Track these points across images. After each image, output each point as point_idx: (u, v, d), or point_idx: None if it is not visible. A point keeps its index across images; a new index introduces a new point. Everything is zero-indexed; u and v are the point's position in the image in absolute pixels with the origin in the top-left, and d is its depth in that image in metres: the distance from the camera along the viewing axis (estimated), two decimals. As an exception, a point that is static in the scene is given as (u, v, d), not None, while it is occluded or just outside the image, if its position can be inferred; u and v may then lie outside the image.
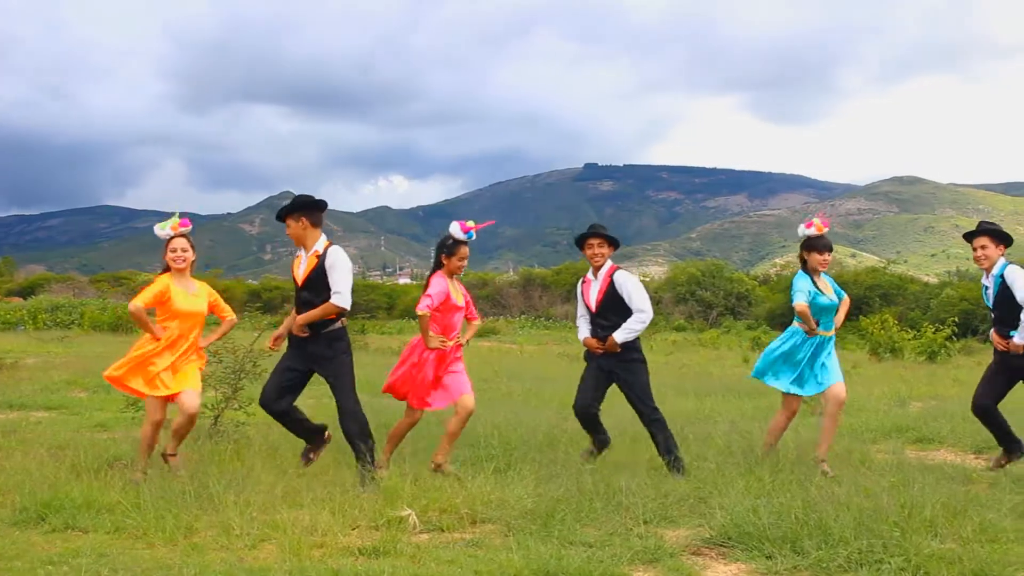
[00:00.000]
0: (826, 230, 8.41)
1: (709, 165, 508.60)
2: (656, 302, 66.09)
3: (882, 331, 28.99)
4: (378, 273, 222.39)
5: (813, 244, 8.44)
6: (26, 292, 64.46)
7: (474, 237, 8.22)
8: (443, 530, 6.33)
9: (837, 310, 8.57)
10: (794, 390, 8.53)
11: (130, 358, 7.65)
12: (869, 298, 49.92)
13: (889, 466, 8.48)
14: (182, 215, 7.80)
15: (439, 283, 8.07)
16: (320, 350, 7.68)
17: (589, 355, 8.59)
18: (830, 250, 8.48)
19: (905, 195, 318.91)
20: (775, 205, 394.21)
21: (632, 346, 8.37)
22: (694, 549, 6.01)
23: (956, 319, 30.41)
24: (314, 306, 7.60)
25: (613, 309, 8.39)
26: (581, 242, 8.62)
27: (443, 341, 8.03)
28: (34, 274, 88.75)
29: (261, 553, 5.67)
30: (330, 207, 8.07)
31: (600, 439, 8.59)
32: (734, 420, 11.58)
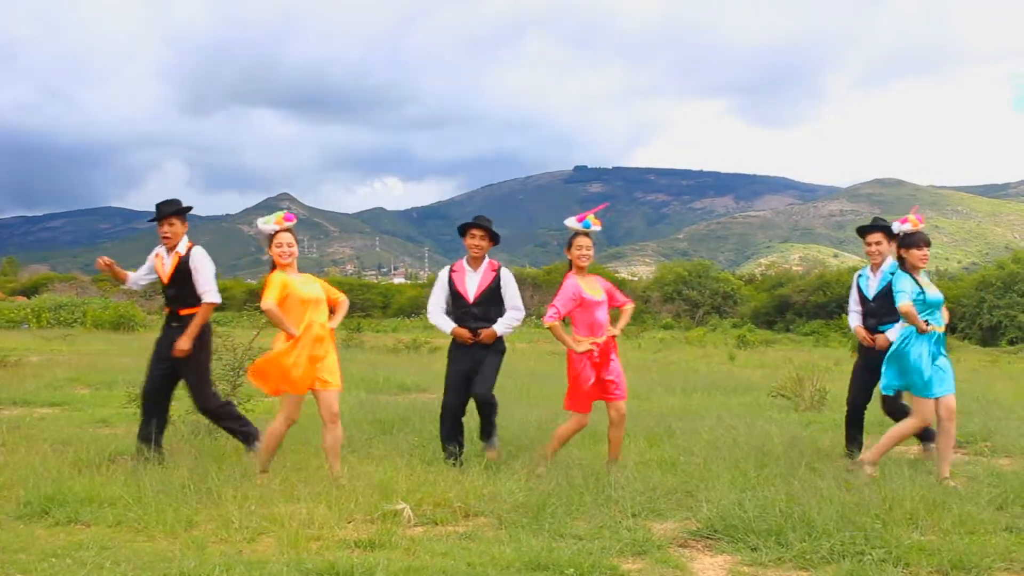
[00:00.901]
0: (922, 225, 8.01)
1: (696, 168, 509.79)
2: (644, 301, 66.38)
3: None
4: (373, 273, 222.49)
5: (911, 241, 7.86)
6: (30, 291, 64.39)
7: (592, 226, 7.90)
8: (437, 523, 6.32)
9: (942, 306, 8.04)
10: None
11: (270, 358, 7.48)
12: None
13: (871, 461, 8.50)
14: (287, 210, 7.76)
15: (567, 287, 7.80)
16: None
17: (459, 346, 8.35)
18: (928, 244, 7.97)
19: (886, 197, 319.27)
20: (760, 206, 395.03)
21: (501, 338, 8.36)
22: (681, 541, 6.01)
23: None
24: (180, 300, 8.17)
25: (490, 302, 8.32)
26: (464, 230, 8.43)
27: (592, 342, 7.77)
28: (38, 274, 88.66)
29: (259, 546, 5.66)
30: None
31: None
32: (720, 415, 11.58)
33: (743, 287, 65.57)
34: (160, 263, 8.29)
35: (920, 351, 7.72)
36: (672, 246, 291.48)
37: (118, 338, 28.59)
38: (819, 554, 5.52)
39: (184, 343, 7.95)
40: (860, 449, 8.63)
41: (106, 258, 8.26)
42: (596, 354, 7.78)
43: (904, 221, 7.94)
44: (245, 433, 8.24)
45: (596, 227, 7.91)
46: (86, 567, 5.13)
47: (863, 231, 8.90)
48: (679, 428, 10.11)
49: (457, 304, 8.38)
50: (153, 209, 8.24)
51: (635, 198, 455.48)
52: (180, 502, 6.43)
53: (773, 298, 66.17)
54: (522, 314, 8.43)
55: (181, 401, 8.93)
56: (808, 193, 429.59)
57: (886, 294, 8.41)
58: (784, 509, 6.12)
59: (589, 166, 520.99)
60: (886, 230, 8.60)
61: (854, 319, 9.01)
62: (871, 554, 5.43)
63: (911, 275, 7.80)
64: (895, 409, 8.71)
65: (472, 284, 8.35)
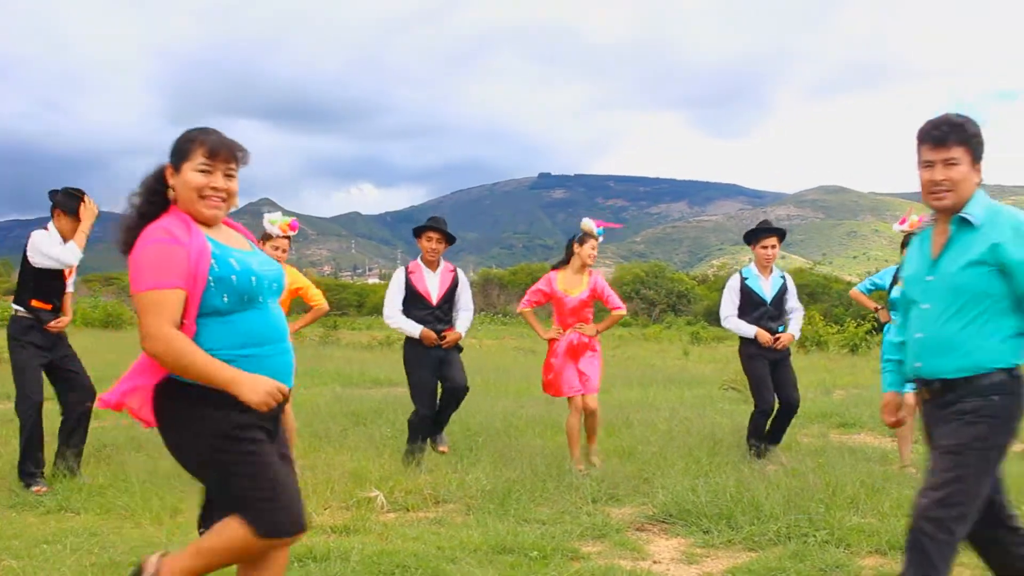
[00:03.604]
0: (922, 225, 7.90)
1: (653, 175, 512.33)
2: (604, 300, 66.28)
3: (809, 326, 29.18)
4: (349, 274, 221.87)
5: (908, 241, 7.69)
6: (22, 291, 63.72)
7: (602, 236, 8.07)
8: (408, 509, 6.33)
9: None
10: None
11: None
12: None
13: (815, 449, 8.57)
14: (294, 217, 7.60)
15: (540, 280, 8.20)
16: None
17: (421, 350, 7.88)
18: None
19: (830, 203, 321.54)
20: (712, 211, 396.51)
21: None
22: (638, 525, 6.03)
23: (875, 315, 30.71)
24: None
25: (450, 303, 8.05)
26: (419, 233, 8.08)
27: (558, 330, 7.98)
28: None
29: (241, 532, 5.63)
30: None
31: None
32: (675, 408, 11.62)
33: (697, 287, 65.71)
34: None
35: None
36: (630, 248, 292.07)
37: (107, 336, 28.31)
38: (767, 536, 5.56)
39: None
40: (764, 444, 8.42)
41: None
42: (562, 344, 7.90)
43: (903, 221, 7.80)
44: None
45: (602, 238, 8.05)
46: (76, 552, 5.10)
47: (758, 234, 8.39)
48: (636, 419, 10.14)
49: (419, 306, 7.93)
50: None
51: (596, 203, 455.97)
52: (165, 490, 6.39)
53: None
54: (472, 315, 8.26)
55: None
56: (757, 199, 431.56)
57: (780, 296, 8.42)
58: (734, 494, 6.16)
59: (553, 173, 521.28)
60: (780, 234, 8.48)
61: (741, 323, 8.35)
62: (815, 536, 5.47)
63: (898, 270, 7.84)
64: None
65: (433, 286, 7.98)
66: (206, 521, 3.46)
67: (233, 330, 3.24)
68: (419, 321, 7.86)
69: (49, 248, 6.92)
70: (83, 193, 7.06)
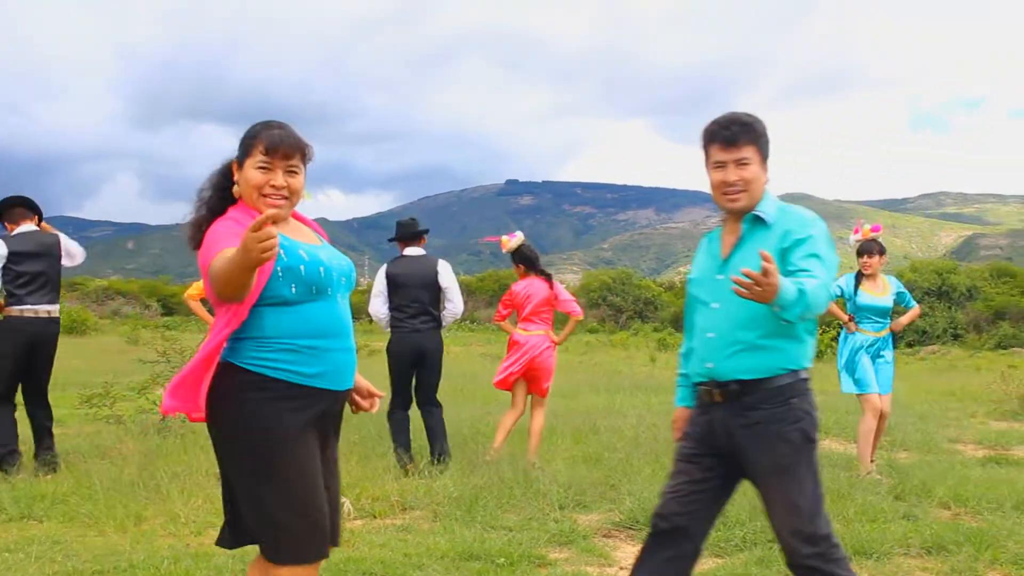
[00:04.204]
0: (875, 235, 8.15)
1: (620, 182, 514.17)
2: (571, 306, 66.42)
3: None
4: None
5: (857, 250, 8.26)
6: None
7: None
8: (375, 516, 6.31)
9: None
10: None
11: None
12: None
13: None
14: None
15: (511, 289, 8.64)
16: None
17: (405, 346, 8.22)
18: (868, 253, 8.15)
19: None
20: (679, 218, 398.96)
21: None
22: (605, 532, 6.04)
23: (840, 323, 30.99)
24: None
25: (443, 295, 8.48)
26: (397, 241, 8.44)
27: (523, 329, 8.26)
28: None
29: (206, 539, 5.59)
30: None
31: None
32: (641, 414, 11.63)
33: (663, 294, 65.95)
34: None
35: (845, 349, 8.15)
36: (597, 255, 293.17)
37: (71, 341, 28.06)
38: (732, 543, 5.59)
39: None
40: None
41: None
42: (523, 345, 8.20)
43: (856, 231, 8.23)
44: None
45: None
46: (39, 561, 5.06)
47: None
48: (603, 426, 10.16)
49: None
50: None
51: (563, 210, 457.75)
52: (129, 498, 6.35)
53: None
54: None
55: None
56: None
57: None
58: (700, 500, 6.17)
59: (520, 180, 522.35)
60: None
61: None
62: (780, 542, 5.50)
63: (856, 279, 8.13)
64: None
65: None
66: (231, 540, 3.33)
67: (298, 319, 3.14)
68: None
69: None
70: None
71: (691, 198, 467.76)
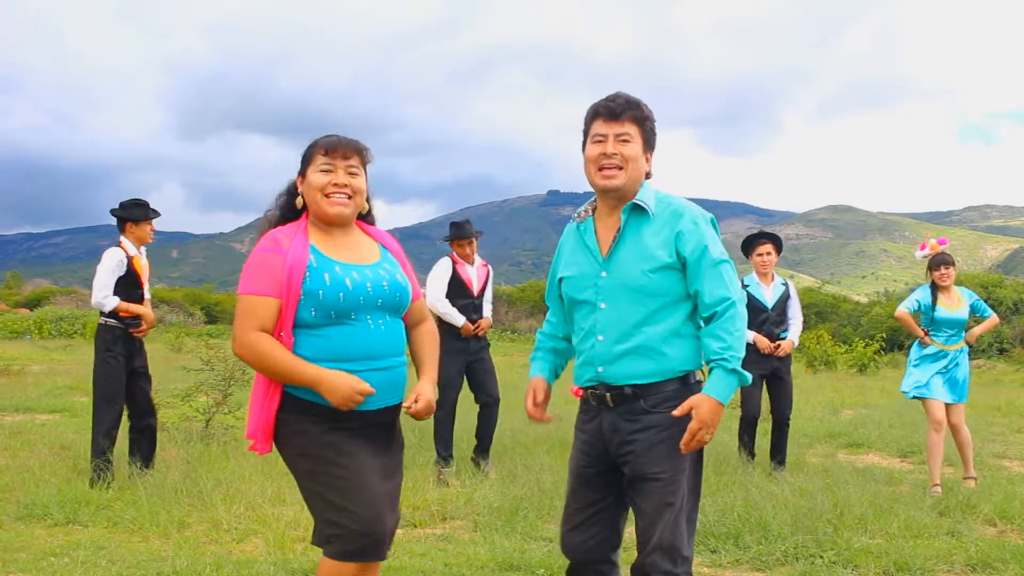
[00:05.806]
0: (942, 247, 8.08)
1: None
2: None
3: (817, 346, 29.18)
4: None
5: (929, 263, 8.08)
6: (32, 304, 63.79)
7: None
8: (416, 526, 6.30)
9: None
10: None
11: None
12: (806, 316, 50.18)
13: (823, 469, 8.52)
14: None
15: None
16: None
17: (454, 345, 8.17)
18: (944, 264, 7.93)
19: (839, 222, 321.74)
20: (722, 230, 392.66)
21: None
22: (645, 544, 6.00)
23: (884, 335, 30.79)
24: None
25: (482, 296, 8.54)
26: (451, 241, 8.56)
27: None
28: (40, 287, 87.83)
29: (248, 546, 5.62)
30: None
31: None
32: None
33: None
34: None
35: (915, 357, 7.99)
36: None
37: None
38: (774, 556, 5.53)
39: None
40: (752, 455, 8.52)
41: None
42: None
43: (923, 247, 8.15)
44: None
45: None
46: (83, 565, 5.10)
47: (752, 242, 8.61)
48: (644, 437, 10.10)
49: (461, 295, 8.33)
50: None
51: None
52: (173, 505, 6.39)
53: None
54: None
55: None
56: (766, 218, 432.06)
57: (782, 303, 8.51)
58: (742, 514, 6.13)
59: (562, 190, 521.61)
60: (776, 241, 8.63)
61: None
62: (823, 556, 5.45)
63: (932, 290, 7.96)
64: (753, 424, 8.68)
65: (474, 278, 8.49)
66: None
67: (323, 343, 3.21)
68: (459, 310, 8.26)
69: (99, 280, 7.25)
70: (145, 202, 7.55)
71: (733, 209, 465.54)
